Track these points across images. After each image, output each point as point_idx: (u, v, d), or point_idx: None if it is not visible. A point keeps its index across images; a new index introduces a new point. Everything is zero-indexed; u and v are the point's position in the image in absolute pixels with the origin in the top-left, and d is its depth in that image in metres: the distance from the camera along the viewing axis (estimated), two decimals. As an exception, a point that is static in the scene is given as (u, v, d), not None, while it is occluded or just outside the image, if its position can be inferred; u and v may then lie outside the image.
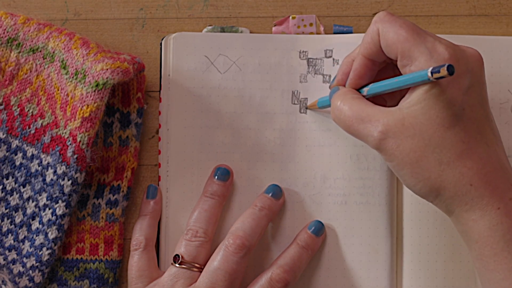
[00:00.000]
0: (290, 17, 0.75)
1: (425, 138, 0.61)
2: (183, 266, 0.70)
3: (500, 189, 0.61)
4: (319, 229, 0.73)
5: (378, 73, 0.67)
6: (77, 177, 0.70)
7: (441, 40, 0.63)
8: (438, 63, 0.61)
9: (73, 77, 0.69)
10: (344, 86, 0.68)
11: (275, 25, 0.76)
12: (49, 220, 0.70)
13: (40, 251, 0.70)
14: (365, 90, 0.66)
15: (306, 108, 0.74)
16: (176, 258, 0.70)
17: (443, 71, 0.58)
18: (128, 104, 0.73)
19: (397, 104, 0.63)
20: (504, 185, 0.62)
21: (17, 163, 0.71)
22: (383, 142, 0.62)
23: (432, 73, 0.59)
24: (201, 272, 0.69)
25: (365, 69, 0.66)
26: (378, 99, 0.68)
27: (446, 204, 0.62)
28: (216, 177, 0.73)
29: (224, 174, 0.73)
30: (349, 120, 0.64)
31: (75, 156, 0.69)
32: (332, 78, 0.71)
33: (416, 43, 0.62)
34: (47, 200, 0.70)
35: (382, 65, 0.67)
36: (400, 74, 0.64)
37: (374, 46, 0.64)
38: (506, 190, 0.61)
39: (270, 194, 0.72)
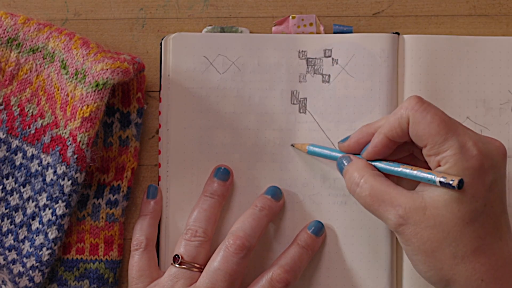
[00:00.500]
0: (290, 17, 0.75)
1: (444, 231, 0.62)
2: (183, 266, 0.70)
3: (509, 284, 0.63)
4: (319, 229, 0.73)
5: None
6: (77, 177, 0.70)
7: (470, 133, 0.64)
8: (466, 159, 0.62)
9: (73, 77, 0.69)
10: (354, 153, 0.69)
11: (275, 25, 0.76)
12: (49, 220, 0.70)
13: (40, 251, 0.70)
14: (379, 166, 0.67)
15: (293, 145, 0.74)
16: (175, 258, 0.70)
17: (454, 184, 0.61)
18: (128, 104, 0.73)
19: (414, 186, 0.65)
20: None
21: (17, 163, 0.72)
22: (402, 227, 0.63)
23: (441, 182, 0.62)
24: (201, 272, 0.69)
25: (385, 148, 0.67)
26: None
27: None
28: (216, 176, 0.73)
29: (225, 174, 0.73)
30: (370, 199, 0.65)
31: (75, 156, 0.69)
32: (343, 138, 0.71)
33: (447, 137, 0.63)
34: (47, 200, 0.70)
35: (398, 144, 0.68)
36: (421, 155, 0.66)
37: (400, 131, 0.65)
38: None
39: (270, 196, 0.72)
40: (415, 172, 0.64)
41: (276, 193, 0.73)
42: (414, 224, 0.63)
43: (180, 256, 0.70)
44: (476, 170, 0.62)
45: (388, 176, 0.67)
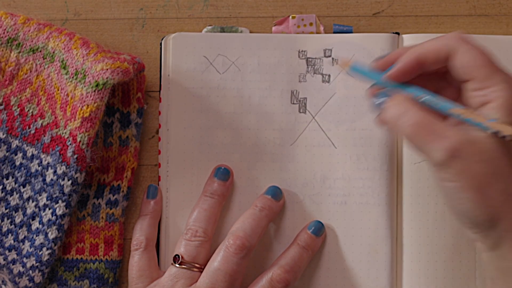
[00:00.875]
0: (290, 17, 0.75)
1: (496, 166, 0.60)
2: (183, 266, 0.70)
3: None
4: (319, 229, 0.73)
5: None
6: (77, 177, 0.70)
7: None
8: None
9: (73, 77, 0.69)
10: (381, 71, 0.66)
11: (275, 25, 0.76)
12: (49, 220, 0.70)
13: (40, 251, 0.70)
14: (421, 97, 0.64)
15: (336, 62, 0.72)
16: (176, 258, 0.70)
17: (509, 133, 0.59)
18: (128, 104, 0.73)
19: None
20: None
21: (17, 163, 0.72)
22: (450, 160, 0.60)
23: (494, 131, 0.59)
24: (201, 272, 0.69)
25: (411, 67, 0.64)
26: None
27: (498, 237, 0.61)
28: (216, 176, 0.73)
29: (225, 174, 0.73)
30: (416, 129, 0.61)
31: (75, 156, 0.69)
32: (380, 56, 0.68)
33: (495, 70, 0.61)
34: (47, 200, 0.70)
35: (418, 73, 0.65)
36: (449, 93, 0.65)
37: (435, 57, 0.63)
38: None
39: (270, 196, 0.72)
40: (470, 119, 0.61)
41: (276, 193, 0.73)
42: (465, 157, 0.59)
43: (180, 256, 0.70)
44: None
45: None
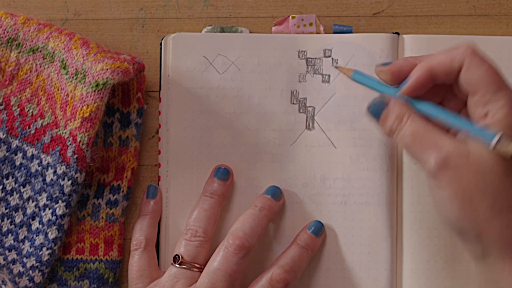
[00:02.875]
0: (290, 17, 0.75)
1: (485, 180, 0.61)
2: (183, 266, 0.70)
3: None
4: (319, 229, 0.73)
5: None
6: (77, 177, 0.70)
7: None
8: None
9: (73, 77, 0.69)
10: (391, 83, 0.67)
11: (275, 25, 0.76)
12: (49, 220, 0.70)
13: (40, 251, 0.70)
14: (425, 109, 0.65)
15: (336, 67, 0.73)
16: (176, 258, 0.70)
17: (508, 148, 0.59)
18: (128, 104, 0.73)
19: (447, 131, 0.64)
20: None
21: (17, 163, 0.72)
22: (441, 170, 0.61)
23: (497, 143, 0.60)
24: (201, 272, 0.69)
25: (424, 82, 0.65)
26: None
27: (483, 248, 0.62)
28: (216, 176, 0.73)
29: (225, 174, 0.73)
30: (412, 139, 0.63)
31: (75, 156, 0.69)
32: (383, 63, 0.68)
33: (501, 87, 0.62)
34: (47, 200, 0.70)
35: (433, 84, 0.66)
36: (453, 103, 0.65)
37: (448, 70, 0.64)
38: None
39: (270, 195, 0.72)
40: (471, 127, 0.62)
41: (276, 193, 0.73)
42: (455, 168, 0.61)
43: (180, 256, 0.70)
44: None
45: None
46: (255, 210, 0.71)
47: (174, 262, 0.70)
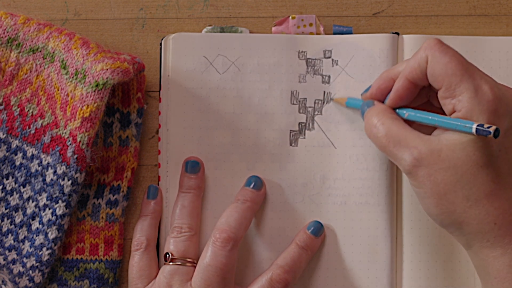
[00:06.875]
0: (290, 17, 0.75)
1: (458, 173, 0.62)
2: (176, 263, 0.70)
3: None
4: (318, 229, 0.73)
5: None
6: (77, 177, 0.70)
7: (487, 78, 0.63)
8: (481, 103, 0.62)
9: (73, 77, 0.69)
10: (377, 100, 0.69)
11: (275, 25, 0.76)
12: (49, 220, 0.70)
13: (40, 251, 0.70)
14: (405, 114, 0.67)
15: (331, 99, 0.74)
16: (166, 257, 0.70)
17: (490, 133, 0.60)
18: (128, 104, 0.73)
19: (430, 132, 0.65)
20: None
21: (17, 163, 0.72)
22: (415, 169, 0.63)
23: (477, 130, 0.60)
24: (194, 266, 0.70)
25: (407, 91, 0.67)
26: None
27: (466, 238, 0.64)
28: (187, 171, 0.73)
29: (194, 166, 0.73)
30: (386, 140, 0.65)
31: (75, 156, 0.69)
32: (365, 89, 0.71)
33: (463, 79, 0.63)
34: (47, 200, 0.70)
35: (420, 88, 0.68)
36: (436, 101, 0.66)
37: (420, 72, 0.65)
38: None
39: (252, 186, 0.73)
40: (450, 120, 0.63)
41: (256, 183, 0.73)
42: (428, 166, 0.63)
43: (170, 254, 0.70)
44: (492, 114, 0.62)
45: (409, 123, 0.66)
46: (238, 203, 0.72)
47: (166, 261, 0.70)
